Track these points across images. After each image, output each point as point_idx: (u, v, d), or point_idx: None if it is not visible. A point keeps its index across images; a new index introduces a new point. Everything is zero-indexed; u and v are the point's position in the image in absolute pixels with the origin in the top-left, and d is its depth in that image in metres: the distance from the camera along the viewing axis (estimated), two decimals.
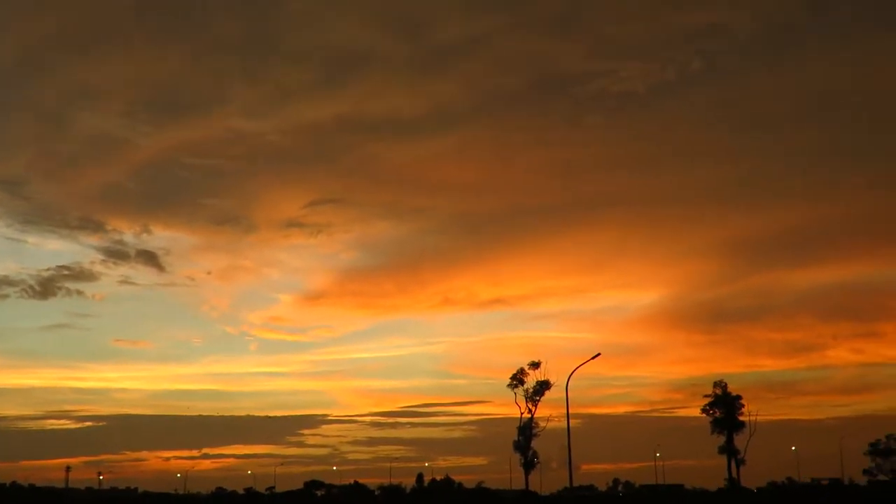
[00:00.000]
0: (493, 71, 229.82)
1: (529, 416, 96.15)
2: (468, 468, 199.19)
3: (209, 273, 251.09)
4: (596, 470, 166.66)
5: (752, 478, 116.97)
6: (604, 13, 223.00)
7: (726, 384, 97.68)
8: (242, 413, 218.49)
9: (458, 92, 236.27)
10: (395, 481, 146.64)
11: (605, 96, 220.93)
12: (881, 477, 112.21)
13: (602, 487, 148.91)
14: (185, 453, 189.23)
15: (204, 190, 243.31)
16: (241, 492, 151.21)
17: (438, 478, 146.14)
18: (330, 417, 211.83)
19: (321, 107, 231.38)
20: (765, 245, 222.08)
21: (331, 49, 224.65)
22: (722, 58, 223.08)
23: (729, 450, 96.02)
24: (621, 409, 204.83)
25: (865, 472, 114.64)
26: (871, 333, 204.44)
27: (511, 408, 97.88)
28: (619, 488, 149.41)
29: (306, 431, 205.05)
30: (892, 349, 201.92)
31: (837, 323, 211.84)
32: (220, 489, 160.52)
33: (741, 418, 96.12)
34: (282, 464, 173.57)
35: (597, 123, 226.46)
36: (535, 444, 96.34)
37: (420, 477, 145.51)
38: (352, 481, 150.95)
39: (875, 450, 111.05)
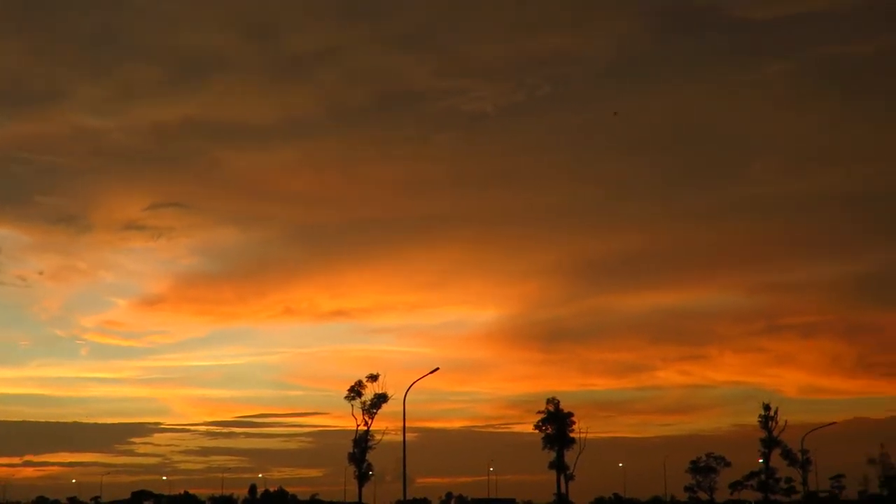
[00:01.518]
0: (344, 83, 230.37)
1: (365, 428, 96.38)
2: (303, 480, 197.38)
3: (41, 273, 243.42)
4: (430, 483, 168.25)
5: (581, 493, 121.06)
6: (457, 32, 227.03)
7: (559, 401, 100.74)
8: (70, 419, 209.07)
9: (309, 102, 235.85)
10: (227, 492, 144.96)
11: (455, 114, 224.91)
12: (701, 494, 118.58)
13: (435, 501, 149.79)
14: (6, 460, 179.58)
15: (39, 187, 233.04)
16: (63, 501, 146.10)
17: (272, 489, 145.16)
18: (162, 426, 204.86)
19: (168, 108, 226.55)
20: (602, 268, 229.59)
21: (181, 49, 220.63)
22: (571, 84, 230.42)
23: (559, 465, 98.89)
24: (458, 424, 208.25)
25: (686, 488, 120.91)
26: (697, 356, 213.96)
27: (348, 420, 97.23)
28: (452, 502, 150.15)
29: (137, 440, 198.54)
30: (717, 372, 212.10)
31: (666, 345, 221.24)
32: (41, 498, 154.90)
33: (572, 435, 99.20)
34: (108, 472, 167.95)
35: (445, 141, 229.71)
36: (370, 456, 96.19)
37: (253, 488, 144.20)
38: (182, 492, 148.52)
39: (695, 468, 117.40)
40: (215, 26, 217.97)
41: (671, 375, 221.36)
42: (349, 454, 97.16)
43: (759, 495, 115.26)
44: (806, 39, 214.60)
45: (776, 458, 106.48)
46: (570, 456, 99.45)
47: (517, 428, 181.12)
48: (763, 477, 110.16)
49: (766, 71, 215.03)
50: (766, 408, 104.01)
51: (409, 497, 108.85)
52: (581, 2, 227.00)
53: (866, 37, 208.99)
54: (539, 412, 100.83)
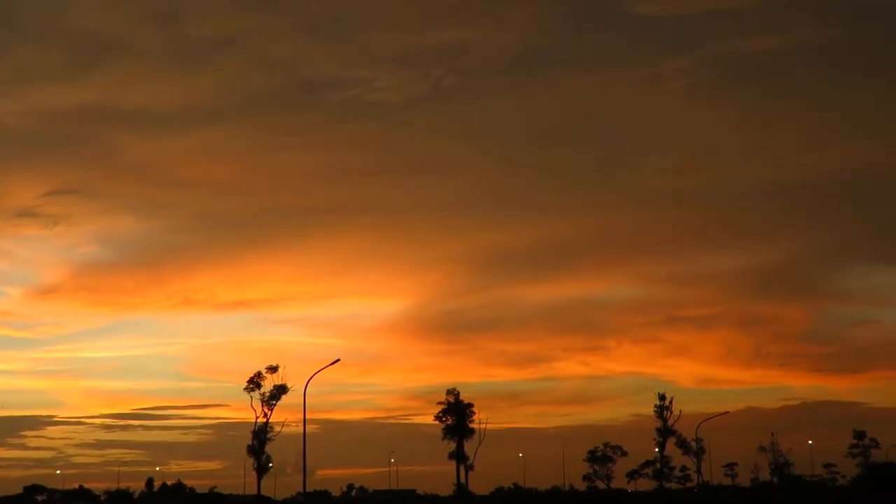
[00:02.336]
0: (250, 69, 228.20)
1: (265, 420, 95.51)
2: (202, 473, 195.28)
3: None
4: (332, 475, 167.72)
5: (481, 483, 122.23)
6: (364, 22, 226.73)
7: (459, 392, 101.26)
8: None
9: (213, 88, 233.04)
10: (123, 486, 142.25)
11: (360, 104, 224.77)
12: (598, 483, 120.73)
13: (336, 493, 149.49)
14: None
15: None
16: None
17: (170, 483, 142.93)
18: (56, 419, 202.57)
19: (66, 92, 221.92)
20: (504, 259, 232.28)
21: (80, 33, 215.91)
22: (475, 75, 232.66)
23: (459, 456, 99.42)
24: (359, 415, 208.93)
25: (585, 478, 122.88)
26: (597, 347, 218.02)
27: (248, 412, 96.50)
28: (353, 493, 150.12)
29: (29, 433, 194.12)
30: (616, 363, 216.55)
31: (567, 336, 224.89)
32: None
33: (472, 426, 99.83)
34: None
35: (350, 131, 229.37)
36: (270, 449, 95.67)
37: (150, 481, 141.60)
38: (77, 486, 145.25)
39: (593, 457, 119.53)
40: (117, 10, 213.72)
41: (571, 366, 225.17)
42: (248, 446, 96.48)
43: (654, 483, 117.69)
44: (704, 36, 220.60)
45: (672, 447, 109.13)
46: (470, 446, 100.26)
47: (418, 419, 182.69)
48: (658, 465, 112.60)
49: (666, 66, 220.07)
50: (662, 398, 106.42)
51: (309, 489, 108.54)
52: None
53: (762, 35, 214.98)
54: (439, 403, 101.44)
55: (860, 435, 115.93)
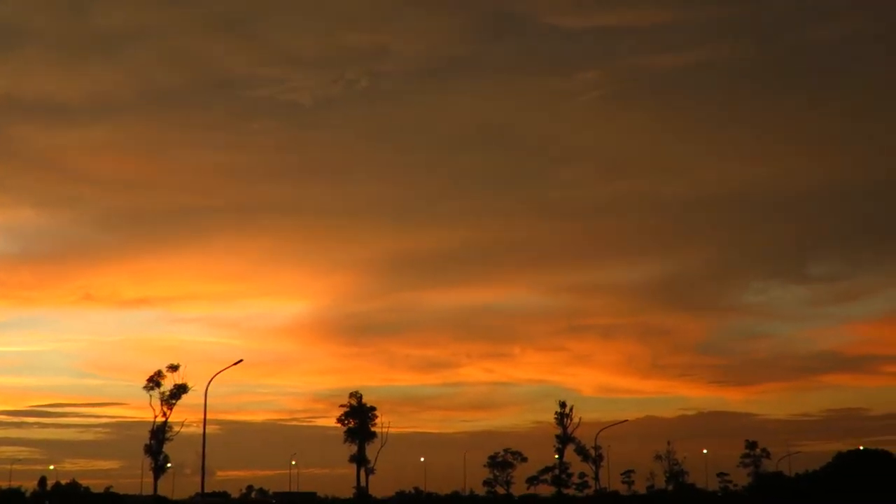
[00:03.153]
0: (160, 64, 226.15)
1: (164, 419, 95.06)
2: (99, 472, 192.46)
3: None
4: (231, 476, 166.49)
5: (382, 487, 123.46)
6: (277, 21, 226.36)
7: (361, 395, 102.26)
8: None
9: (120, 81, 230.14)
10: (14, 484, 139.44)
11: (272, 104, 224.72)
12: (498, 488, 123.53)
13: (236, 494, 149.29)
14: None
15: None
16: None
17: (64, 482, 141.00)
18: None
19: None
20: (411, 264, 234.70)
21: None
22: (389, 79, 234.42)
23: (360, 459, 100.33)
24: (261, 417, 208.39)
25: (485, 483, 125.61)
26: (501, 354, 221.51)
27: (147, 411, 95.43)
28: (253, 495, 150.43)
29: None
30: (519, 370, 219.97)
31: (472, 343, 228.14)
32: None
33: (374, 429, 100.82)
34: None
35: (261, 129, 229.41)
36: (170, 449, 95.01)
37: (43, 480, 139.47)
38: None
39: (493, 462, 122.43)
40: None
41: (475, 372, 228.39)
42: (146, 446, 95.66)
43: (553, 489, 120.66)
44: (616, 50, 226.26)
45: (571, 454, 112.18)
46: (372, 450, 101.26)
47: (321, 422, 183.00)
48: (557, 472, 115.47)
49: (578, 79, 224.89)
50: (563, 405, 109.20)
51: (209, 490, 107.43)
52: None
53: (674, 51, 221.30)
54: (342, 406, 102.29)
55: (752, 445, 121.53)
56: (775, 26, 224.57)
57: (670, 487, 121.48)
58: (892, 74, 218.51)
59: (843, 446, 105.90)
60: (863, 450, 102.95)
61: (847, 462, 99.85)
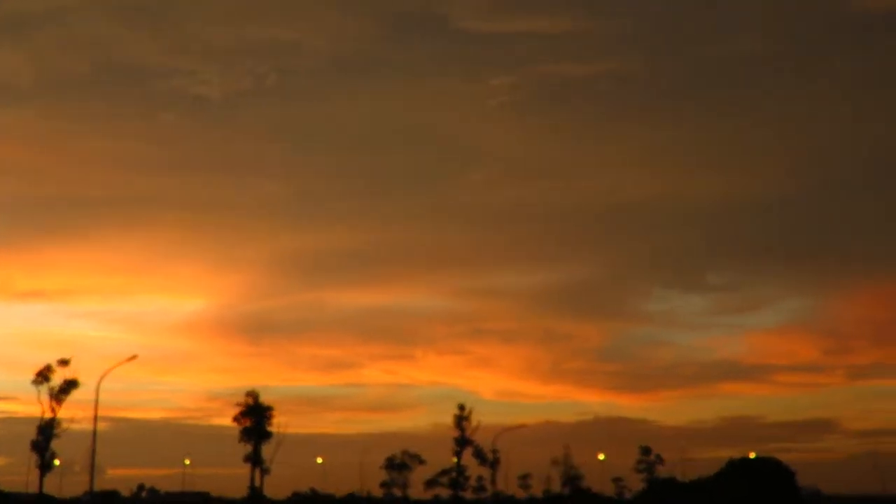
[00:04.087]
0: (63, 49, 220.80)
1: (52, 415, 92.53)
2: None
3: None
4: (123, 475, 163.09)
5: (277, 488, 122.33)
6: (189, 12, 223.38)
7: (258, 395, 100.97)
8: None
9: (21, 67, 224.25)
10: None
11: (179, 95, 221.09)
12: (396, 490, 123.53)
13: (126, 493, 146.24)
14: None
15: None
16: None
17: None
18: None
19: None
20: (314, 263, 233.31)
21: None
22: (299, 75, 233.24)
23: (254, 459, 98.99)
24: (155, 415, 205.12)
25: (383, 485, 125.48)
26: (403, 356, 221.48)
27: (37, 406, 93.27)
28: (144, 494, 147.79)
29: None
30: (420, 372, 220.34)
31: (374, 344, 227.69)
32: None
33: (270, 429, 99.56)
34: None
35: (167, 122, 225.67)
36: (59, 446, 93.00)
37: None
38: None
39: (391, 464, 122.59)
40: None
41: (376, 374, 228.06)
42: (32, 442, 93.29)
43: (450, 493, 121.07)
44: (527, 56, 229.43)
45: (469, 458, 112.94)
46: (268, 450, 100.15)
47: (217, 420, 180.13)
48: (454, 475, 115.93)
49: (489, 83, 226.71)
50: (462, 408, 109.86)
51: (98, 488, 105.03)
52: None
53: (584, 60, 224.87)
54: (238, 405, 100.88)
55: (646, 451, 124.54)
56: (671, 42, 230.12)
57: (566, 492, 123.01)
58: (786, 93, 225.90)
59: (737, 453, 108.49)
60: (753, 458, 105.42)
61: (737, 469, 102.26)
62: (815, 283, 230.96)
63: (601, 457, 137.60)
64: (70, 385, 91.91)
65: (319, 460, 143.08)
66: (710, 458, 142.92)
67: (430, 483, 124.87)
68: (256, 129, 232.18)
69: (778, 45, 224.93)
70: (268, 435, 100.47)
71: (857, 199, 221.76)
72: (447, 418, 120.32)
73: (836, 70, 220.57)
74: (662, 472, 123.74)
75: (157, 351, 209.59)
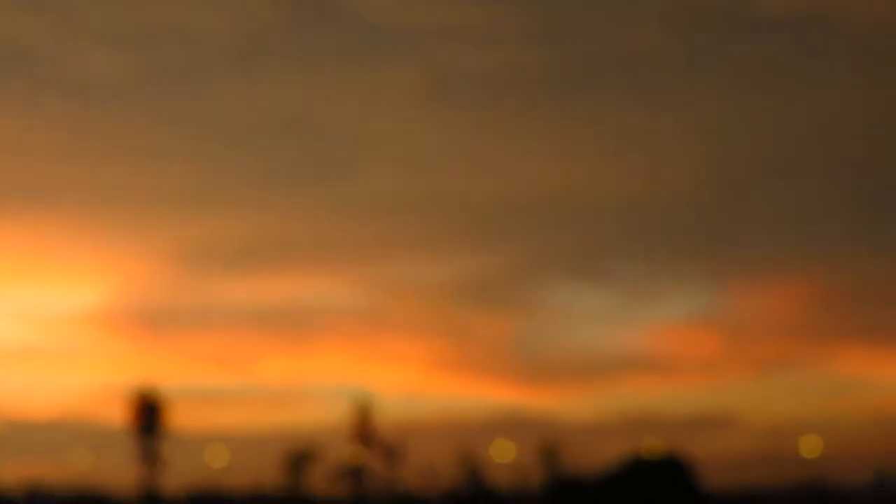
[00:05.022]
0: None
1: None
2: None
3: None
4: (11, 475, 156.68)
5: (172, 486, 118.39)
6: None
7: (153, 391, 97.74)
8: None
9: None
10: None
11: (68, 81, 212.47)
12: (295, 486, 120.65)
13: (17, 494, 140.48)
14: None
15: None
16: None
17: None
18: None
19: None
20: (210, 253, 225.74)
21: None
22: (192, 62, 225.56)
23: (149, 457, 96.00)
24: (45, 412, 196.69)
25: (282, 481, 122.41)
26: (303, 350, 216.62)
27: None
28: (33, 495, 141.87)
29: None
30: (321, 366, 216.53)
31: (272, 336, 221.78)
32: None
33: (165, 426, 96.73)
34: None
35: (56, 108, 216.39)
36: None
37: None
38: None
39: (291, 460, 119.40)
40: None
41: (275, 368, 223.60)
42: None
43: (350, 489, 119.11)
44: (431, 48, 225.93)
45: (370, 454, 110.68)
46: (164, 448, 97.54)
47: (110, 417, 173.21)
48: (355, 471, 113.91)
49: (391, 74, 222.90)
50: (362, 404, 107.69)
51: None
52: None
53: (487, 52, 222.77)
54: (132, 401, 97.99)
55: (550, 445, 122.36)
56: (588, 33, 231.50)
57: (469, 486, 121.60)
58: (694, 90, 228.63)
59: (639, 446, 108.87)
60: (654, 452, 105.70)
61: (639, 464, 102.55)
62: (718, 277, 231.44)
63: (503, 453, 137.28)
64: None
65: (217, 457, 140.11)
66: (612, 452, 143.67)
67: (331, 479, 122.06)
68: (149, 116, 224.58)
69: (681, 41, 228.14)
70: (162, 432, 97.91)
71: (759, 196, 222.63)
72: (348, 413, 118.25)
73: (736, 67, 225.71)
74: (566, 465, 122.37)
75: (46, 344, 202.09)
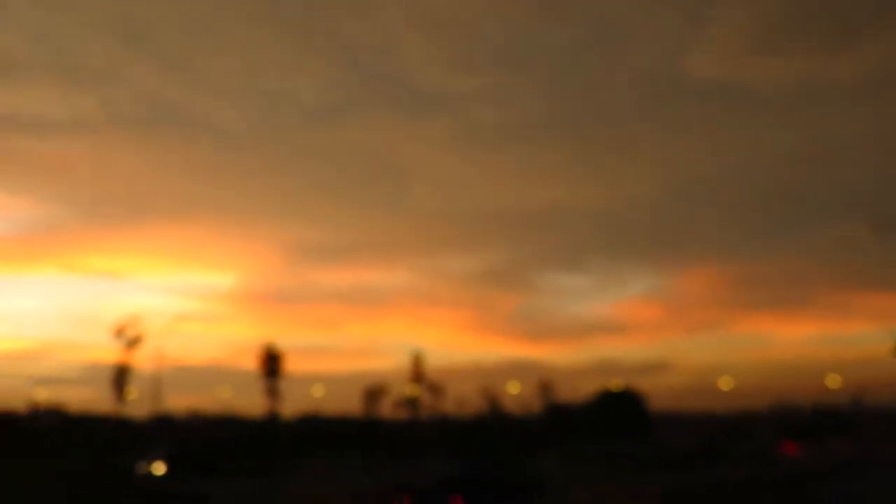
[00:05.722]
0: None
1: (126, 361, 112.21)
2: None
3: None
4: (177, 404, 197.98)
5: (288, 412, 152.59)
6: None
7: (274, 346, 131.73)
8: None
9: None
10: None
11: (208, 126, 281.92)
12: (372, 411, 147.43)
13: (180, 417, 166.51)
14: None
15: None
16: None
17: None
18: None
19: None
20: (311, 250, 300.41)
21: None
22: (294, 113, 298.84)
23: (272, 392, 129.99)
24: (202, 359, 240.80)
25: (363, 408, 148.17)
26: (374, 318, 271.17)
27: (114, 354, 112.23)
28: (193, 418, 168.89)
29: None
30: (391, 329, 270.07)
31: (353, 309, 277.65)
32: None
33: (282, 372, 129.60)
34: None
35: (201, 147, 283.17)
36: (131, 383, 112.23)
37: None
38: None
39: (367, 394, 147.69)
40: None
41: (357, 331, 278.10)
42: (112, 380, 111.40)
43: (409, 414, 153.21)
44: (460, 105, 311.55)
45: (422, 390, 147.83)
46: (282, 385, 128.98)
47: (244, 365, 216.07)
48: (412, 401, 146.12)
49: (433, 124, 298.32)
50: (416, 355, 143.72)
51: (158, 413, 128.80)
52: None
53: (500, 107, 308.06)
54: (257, 353, 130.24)
55: (545, 385, 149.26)
56: (573, 94, 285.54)
57: (489, 412, 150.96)
58: (648, 134, 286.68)
59: (606, 385, 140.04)
60: (616, 388, 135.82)
61: (606, 396, 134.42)
62: (661, 267, 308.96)
63: (514, 388, 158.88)
64: (137, 339, 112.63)
65: (317, 392, 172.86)
66: (588, 388, 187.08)
67: (395, 407, 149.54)
68: (268, 152, 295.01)
69: (642, 99, 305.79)
70: (280, 374, 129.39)
71: (690, 210, 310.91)
72: (406, 362, 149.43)
73: (678, 118, 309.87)
74: (556, 399, 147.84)
75: (200, 312, 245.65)
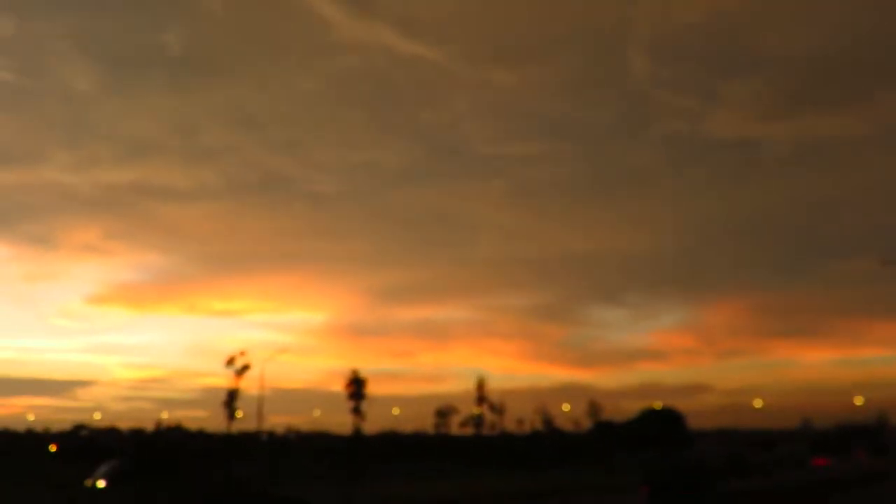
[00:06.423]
0: None
1: (236, 386, 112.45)
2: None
3: None
4: (276, 421, 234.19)
5: (369, 429, 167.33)
6: None
7: (357, 372, 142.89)
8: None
9: None
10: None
11: (307, 192, 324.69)
12: (442, 429, 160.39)
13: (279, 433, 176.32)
14: None
15: None
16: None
17: None
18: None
19: None
20: (388, 292, 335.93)
21: None
22: (379, 177, 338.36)
23: (356, 411, 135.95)
24: (297, 384, 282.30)
25: (434, 426, 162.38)
26: (443, 347, 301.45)
27: (226, 380, 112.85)
28: (290, 434, 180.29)
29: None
30: (455, 356, 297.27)
31: (426, 340, 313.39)
32: None
33: (365, 395, 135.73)
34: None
35: (297, 210, 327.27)
36: (239, 404, 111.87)
37: None
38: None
39: (438, 413, 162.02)
40: None
41: (427, 359, 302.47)
42: (223, 402, 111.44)
43: (473, 430, 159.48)
44: (512, 168, 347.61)
45: (484, 409, 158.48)
46: (365, 406, 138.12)
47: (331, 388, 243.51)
48: (477, 419, 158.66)
49: (489, 185, 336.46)
50: (481, 380, 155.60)
51: (260, 429, 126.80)
52: None
53: (544, 169, 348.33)
54: (345, 379, 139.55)
55: (593, 404, 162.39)
56: (603, 155, 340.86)
57: (545, 429, 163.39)
58: (673, 188, 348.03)
59: (647, 405, 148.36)
60: (658, 407, 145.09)
61: (649, 414, 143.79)
62: (692, 300, 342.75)
63: (566, 408, 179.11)
64: (246, 367, 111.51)
65: (395, 412, 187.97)
66: (632, 408, 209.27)
67: (462, 425, 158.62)
68: (353, 211, 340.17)
69: (664, 157, 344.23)
70: (363, 397, 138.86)
71: (716, 249, 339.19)
72: (472, 385, 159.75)
73: (700, 172, 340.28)
74: (603, 417, 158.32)
75: (297, 344, 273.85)
